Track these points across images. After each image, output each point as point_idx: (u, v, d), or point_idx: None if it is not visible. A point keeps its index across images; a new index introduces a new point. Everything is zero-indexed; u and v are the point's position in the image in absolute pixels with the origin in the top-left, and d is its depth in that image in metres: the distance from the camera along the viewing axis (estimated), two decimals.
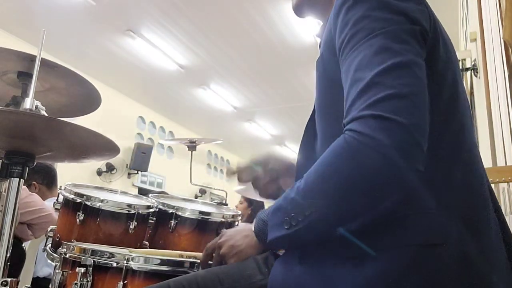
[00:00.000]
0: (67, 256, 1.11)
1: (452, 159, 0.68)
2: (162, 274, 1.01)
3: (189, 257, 1.16)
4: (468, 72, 2.77)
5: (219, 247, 0.82)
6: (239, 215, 1.60)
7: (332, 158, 0.62)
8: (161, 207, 1.48)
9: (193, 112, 7.20)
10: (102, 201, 1.36)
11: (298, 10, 0.95)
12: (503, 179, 1.35)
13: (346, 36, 0.67)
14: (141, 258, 1.03)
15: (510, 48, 1.38)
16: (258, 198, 1.17)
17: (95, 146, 1.21)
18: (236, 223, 1.55)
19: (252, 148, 8.75)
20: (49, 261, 1.38)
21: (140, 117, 7.19)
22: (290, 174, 0.97)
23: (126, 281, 1.01)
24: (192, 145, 2.14)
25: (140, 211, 1.40)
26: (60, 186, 1.45)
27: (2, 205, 1.13)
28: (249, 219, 3.58)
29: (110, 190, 1.57)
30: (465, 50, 3.08)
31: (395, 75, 0.60)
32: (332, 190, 0.61)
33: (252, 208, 3.87)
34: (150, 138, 7.36)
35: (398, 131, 0.57)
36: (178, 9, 4.37)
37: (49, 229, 1.42)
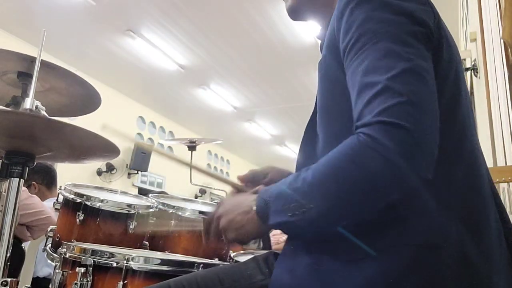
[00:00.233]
0: (67, 256, 1.11)
1: (453, 160, 0.68)
2: (162, 274, 1.01)
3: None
4: (468, 72, 2.77)
5: (218, 219, 0.80)
6: None
7: (340, 157, 0.63)
8: (161, 207, 1.48)
9: (193, 112, 7.19)
10: (102, 201, 1.36)
11: (294, 13, 0.93)
12: (503, 179, 1.35)
13: (351, 39, 0.67)
14: (141, 258, 1.03)
15: (509, 48, 1.38)
16: None
17: (95, 147, 1.21)
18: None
19: (252, 148, 8.75)
20: (49, 261, 1.38)
21: (140, 117, 7.19)
22: None
23: (126, 281, 1.01)
24: (192, 145, 2.14)
25: (140, 211, 1.40)
26: (60, 186, 1.45)
27: (2, 205, 1.13)
28: None
29: (110, 190, 1.57)
30: (465, 50, 3.08)
31: (405, 81, 0.61)
32: (336, 190, 0.62)
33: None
34: (150, 138, 7.36)
35: (408, 139, 0.58)
36: (178, 9, 4.37)
37: (49, 229, 1.42)
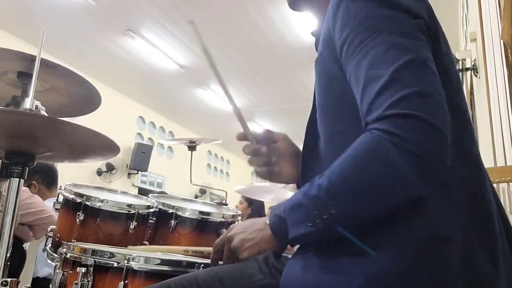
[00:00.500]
0: (67, 256, 1.11)
1: (457, 156, 0.68)
2: (162, 274, 1.01)
3: (195, 251, 1.15)
4: (468, 72, 2.77)
5: (229, 241, 0.79)
6: (239, 215, 1.60)
7: (360, 156, 0.61)
8: (161, 207, 1.48)
9: (193, 112, 7.19)
10: (102, 201, 1.36)
11: (294, 3, 0.94)
12: (503, 179, 1.35)
13: (348, 35, 0.67)
14: (141, 258, 1.03)
15: (509, 49, 1.38)
16: (258, 198, 1.17)
17: (95, 145, 1.21)
18: (236, 223, 1.55)
19: None
20: (49, 261, 1.38)
21: (140, 117, 7.19)
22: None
23: (127, 281, 1.01)
24: (192, 145, 2.14)
25: (140, 211, 1.40)
26: (60, 186, 1.45)
27: (2, 205, 1.13)
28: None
29: (110, 190, 1.57)
30: (465, 50, 3.08)
31: (413, 72, 0.60)
32: (361, 191, 0.61)
33: (252, 208, 3.87)
34: (150, 138, 7.36)
35: (427, 130, 0.57)
36: (178, 9, 4.37)
37: (49, 229, 1.42)
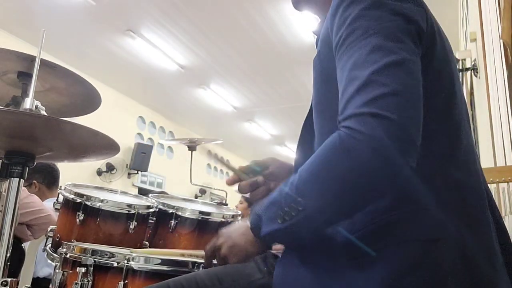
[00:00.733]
0: (67, 256, 1.11)
1: (450, 157, 0.69)
2: (162, 274, 1.01)
3: (190, 255, 1.15)
4: (468, 72, 2.77)
5: (219, 249, 0.80)
6: (239, 215, 1.60)
7: (325, 154, 0.62)
8: (161, 207, 1.48)
9: (193, 112, 7.19)
10: (102, 201, 1.36)
11: (297, 2, 0.95)
12: (503, 179, 1.35)
13: (342, 35, 0.68)
14: (141, 258, 1.04)
15: (508, 49, 1.38)
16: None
17: (95, 144, 1.21)
18: (236, 223, 1.55)
19: (252, 148, 8.75)
20: (49, 261, 1.38)
21: (140, 117, 7.19)
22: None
23: (126, 281, 1.01)
24: (192, 145, 2.14)
25: (140, 211, 1.40)
26: (60, 186, 1.45)
27: (2, 205, 1.13)
28: None
29: (110, 190, 1.57)
30: (465, 50, 3.08)
31: (389, 73, 0.61)
32: (326, 186, 0.61)
33: (252, 208, 3.87)
34: (150, 138, 7.36)
35: (391, 128, 0.58)
36: (178, 9, 4.37)
37: (49, 229, 1.42)
